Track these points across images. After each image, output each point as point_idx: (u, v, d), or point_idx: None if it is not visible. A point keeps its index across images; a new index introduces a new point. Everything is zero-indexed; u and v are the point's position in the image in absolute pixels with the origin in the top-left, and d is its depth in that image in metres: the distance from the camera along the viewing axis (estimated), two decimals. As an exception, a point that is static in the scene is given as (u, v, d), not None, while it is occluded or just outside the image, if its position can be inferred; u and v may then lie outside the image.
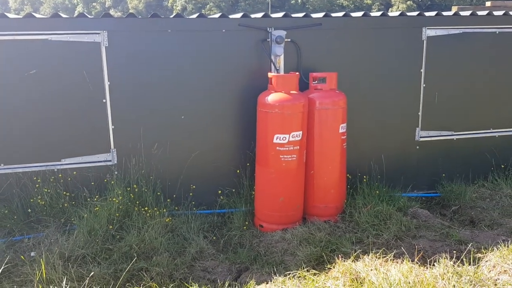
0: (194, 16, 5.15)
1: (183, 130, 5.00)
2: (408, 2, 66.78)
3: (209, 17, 5.12)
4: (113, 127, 4.85)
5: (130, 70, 4.79)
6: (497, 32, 5.57)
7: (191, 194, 5.07)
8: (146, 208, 4.63)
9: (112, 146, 4.88)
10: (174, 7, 61.80)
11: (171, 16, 4.98)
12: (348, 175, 5.18)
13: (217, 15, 5.17)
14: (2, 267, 3.61)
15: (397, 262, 3.85)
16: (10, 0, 69.74)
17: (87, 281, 3.48)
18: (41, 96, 4.63)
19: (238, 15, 5.21)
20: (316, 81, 4.90)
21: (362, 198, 4.99)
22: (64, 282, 3.39)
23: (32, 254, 4.10)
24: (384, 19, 5.37)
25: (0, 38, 4.46)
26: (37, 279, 3.54)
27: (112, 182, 4.77)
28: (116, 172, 4.88)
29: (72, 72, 4.65)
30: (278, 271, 3.89)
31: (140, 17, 4.91)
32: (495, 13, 5.65)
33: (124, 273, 3.74)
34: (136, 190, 4.77)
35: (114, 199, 4.57)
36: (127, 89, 4.81)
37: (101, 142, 4.85)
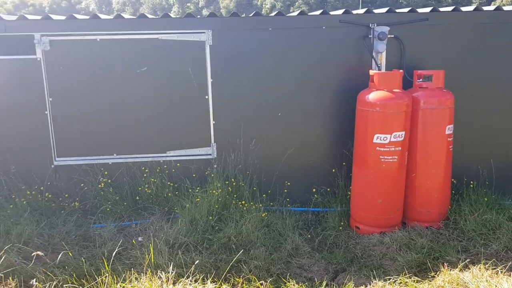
0: (295, 13, 5.16)
1: (280, 126, 5.05)
2: (516, -6, 61.32)
3: (309, 14, 5.11)
4: (214, 122, 5.03)
5: (231, 67, 4.93)
6: None
7: (285, 190, 5.10)
8: (243, 202, 4.74)
9: (212, 141, 5.07)
10: (263, 5, 62.69)
11: (272, 14, 5.04)
12: (453, 179, 4.88)
13: (318, 12, 5.13)
14: (116, 250, 3.91)
15: (509, 275, 3.56)
16: (113, 1, 75.49)
17: (192, 268, 3.65)
18: (149, 93, 4.94)
19: (340, 12, 5.12)
20: (421, 79, 4.67)
21: (468, 205, 4.68)
22: (170, 268, 3.59)
23: (140, 239, 4.40)
24: (499, 13, 4.97)
25: (116, 37, 4.82)
26: (146, 263, 3.79)
27: (212, 175, 4.95)
28: (215, 166, 5.06)
29: (179, 69, 4.90)
30: (377, 275, 3.78)
31: (243, 15, 5.03)
32: None
33: (224, 263, 3.87)
34: (234, 184, 4.91)
35: (213, 191, 4.74)
36: (228, 86, 4.96)
37: (202, 137, 5.05)
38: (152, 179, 4.93)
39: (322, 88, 5.02)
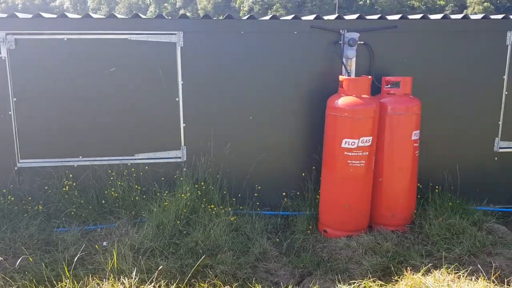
0: (267, 17, 5.18)
1: (252, 130, 5.04)
2: (485, 4, 63.19)
3: (281, 18, 5.12)
4: (184, 125, 4.98)
5: (203, 70, 4.90)
6: None
7: (255, 194, 5.10)
8: (212, 206, 4.71)
9: (182, 144, 5.02)
10: (241, 7, 62.81)
11: (245, 18, 5.04)
12: (419, 184, 4.96)
13: (290, 17, 5.15)
14: (78, 255, 3.82)
15: (471, 280, 3.63)
16: (88, 0, 74.18)
17: (156, 274, 3.60)
18: (118, 94, 4.86)
19: (311, 17, 5.16)
20: (389, 86, 4.74)
21: (433, 209, 4.77)
22: (133, 273, 3.53)
23: (105, 244, 4.31)
24: (466, 22, 5.09)
25: (84, 37, 4.73)
26: (109, 268, 3.71)
27: (181, 178, 4.90)
28: (185, 169, 5.02)
29: (149, 71, 4.84)
30: (342, 279, 3.80)
31: (215, 18, 5.01)
32: None
33: (190, 269, 3.83)
34: (204, 187, 4.88)
35: (182, 195, 4.70)
36: (199, 89, 4.93)
37: (172, 139, 5.00)
38: (119, 183, 4.84)
39: (294, 92, 5.04)
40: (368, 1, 63.09)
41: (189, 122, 4.97)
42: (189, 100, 4.93)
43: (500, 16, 5.20)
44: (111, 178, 4.91)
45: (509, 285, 3.61)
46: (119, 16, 5.08)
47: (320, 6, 58.38)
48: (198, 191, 4.80)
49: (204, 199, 4.78)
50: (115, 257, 3.75)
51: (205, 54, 4.87)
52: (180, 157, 5.04)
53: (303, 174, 5.15)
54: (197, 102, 4.95)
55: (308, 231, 4.70)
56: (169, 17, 5.10)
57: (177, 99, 4.93)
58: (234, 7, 63.21)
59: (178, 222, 4.54)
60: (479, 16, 5.24)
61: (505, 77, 5.13)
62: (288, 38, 4.94)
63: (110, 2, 73.44)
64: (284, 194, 5.14)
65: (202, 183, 4.89)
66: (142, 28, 4.77)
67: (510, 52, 5.09)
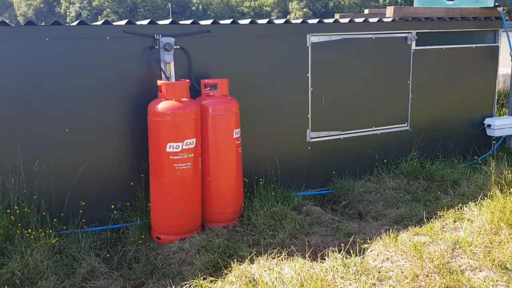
0: (75, 23, 4.90)
1: (69, 143, 4.71)
2: (305, 10, 70.33)
3: (91, 24, 4.91)
4: (-14, 144, 4.42)
5: (5, 82, 4.41)
6: (373, 38, 6.03)
7: (80, 211, 4.78)
8: (30, 230, 4.28)
9: (-14, 166, 4.45)
10: (67, 13, 58.66)
11: (49, 24, 4.68)
12: (245, 179, 5.25)
13: (99, 22, 4.96)
14: None
15: (291, 260, 3.98)
16: None
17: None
18: None
19: (123, 22, 5.05)
20: (208, 88, 4.91)
21: (258, 201, 5.09)
22: None
23: None
24: (271, 27, 5.55)
25: None
26: None
27: (-12, 205, 4.34)
28: (-8, 194, 4.45)
29: None
30: (174, 282, 3.81)
31: (13, 25, 4.55)
32: (371, 20, 6.13)
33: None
34: (18, 211, 4.39)
35: (-9, 223, 4.16)
36: (3, 103, 4.42)
37: (-27, 162, 4.40)
38: None
39: (113, 100, 4.87)
40: (200, 7, 64.78)
41: (-7, 140, 4.43)
42: (-10, 116, 4.39)
43: (299, 21, 5.80)
44: None
45: (323, 259, 4.04)
46: None
47: (154, 12, 57.87)
48: (11, 216, 4.31)
49: (19, 224, 4.31)
50: None
51: (6, 64, 4.39)
52: (-15, 181, 4.46)
53: (132, 184, 5.01)
54: (1, 118, 4.43)
55: (141, 241, 4.60)
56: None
57: (-26, 116, 4.35)
58: (59, 12, 58.67)
59: (-11, 254, 4.01)
60: (282, 20, 5.77)
61: (309, 75, 5.74)
62: (100, 44, 4.75)
63: None
64: (112, 206, 4.93)
65: (16, 207, 4.40)
66: None
67: (311, 53, 5.72)
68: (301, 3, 71.35)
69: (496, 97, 7.01)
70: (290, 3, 72.87)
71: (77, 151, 4.75)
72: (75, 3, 58.68)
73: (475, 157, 6.81)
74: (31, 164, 4.56)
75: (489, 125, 6.73)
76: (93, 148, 4.82)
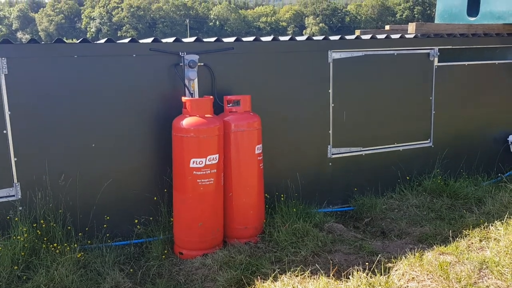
0: (102, 41, 5.01)
1: (95, 158, 4.79)
2: (320, 25, 70.70)
3: (118, 42, 5.02)
4: (15, 159, 4.52)
5: (33, 98, 4.52)
6: (395, 54, 6.03)
7: (105, 226, 4.83)
8: (55, 245, 4.34)
9: (15, 180, 4.54)
10: (88, 29, 59.93)
11: (78, 41, 4.81)
12: (266, 195, 5.26)
13: (127, 40, 5.07)
14: None
15: (314, 279, 3.95)
16: None
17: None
18: None
19: (149, 40, 5.15)
20: (231, 104, 4.96)
21: (280, 217, 5.08)
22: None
23: None
24: (292, 43, 5.60)
25: None
26: None
27: (16, 219, 4.42)
28: (20, 208, 4.53)
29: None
30: (198, 299, 3.81)
31: (43, 42, 4.67)
32: (392, 36, 6.14)
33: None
34: (44, 226, 4.46)
35: (18, 237, 4.23)
36: (31, 119, 4.53)
37: (3, 177, 4.49)
38: None
39: (138, 116, 4.94)
40: (218, 23, 65.62)
41: (21, 155, 4.51)
42: (19, 131, 4.49)
43: (321, 37, 5.84)
44: None
45: (348, 278, 4.00)
46: None
47: (172, 27, 58.81)
48: (38, 231, 4.38)
49: (45, 239, 4.38)
50: None
51: (35, 81, 4.50)
52: (13, 195, 4.54)
53: (155, 198, 5.06)
54: (29, 134, 4.53)
55: (164, 256, 4.62)
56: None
57: (4, 131, 4.46)
58: (80, 28, 60.00)
59: (16, 267, 4.08)
60: (304, 37, 5.81)
61: (330, 91, 5.76)
62: (127, 61, 4.85)
63: None
64: (136, 221, 4.98)
65: (42, 221, 4.47)
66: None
67: (332, 69, 5.74)
68: (317, 18, 71.83)
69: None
70: (306, 18, 73.42)
71: (102, 166, 4.82)
72: (95, 19, 59.99)
73: (499, 174, 6.69)
74: (57, 179, 4.64)
75: (513, 142, 6.64)
76: (118, 163, 4.89)
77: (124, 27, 57.43)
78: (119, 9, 62.28)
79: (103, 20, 59.03)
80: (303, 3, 79.94)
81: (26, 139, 4.53)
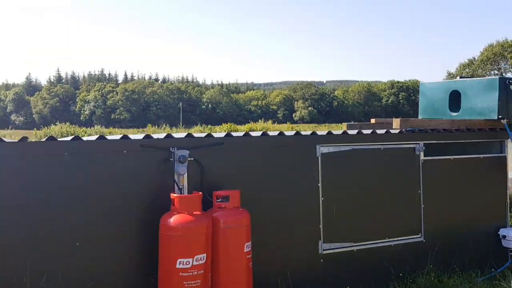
0: (94, 138, 5.08)
1: (79, 258, 4.62)
2: (309, 108, 73.15)
3: (109, 138, 5.09)
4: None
5: (13, 196, 4.44)
6: (382, 148, 6.16)
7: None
8: None
9: None
10: (82, 111, 61.20)
11: (68, 139, 4.86)
12: (255, 295, 5.04)
13: (118, 136, 5.14)
14: None
15: None
16: None
17: None
18: None
19: (141, 136, 5.23)
20: (220, 199, 4.93)
21: (270, 319, 4.84)
22: None
23: None
24: (281, 138, 5.72)
25: None
26: None
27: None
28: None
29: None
30: None
31: (30, 140, 4.72)
32: (378, 131, 6.31)
33: None
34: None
35: None
36: (12, 216, 4.43)
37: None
38: None
39: (125, 213, 4.86)
40: (210, 106, 67.66)
41: None
42: None
43: (309, 132, 5.99)
44: None
45: None
46: None
47: (165, 110, 60.34)
48: None
49: None
50: None
51: (23, 179, 4.48)
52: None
53: (139, 300, 4.82)
54: (9, 230, 4.40)
55: None
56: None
57: (-14, 230, 4.33)
58: (74, 110, 61.30)
59: None
60: (292, 132, 5.96)
61: (320, 184, 5.78)
62: (117, 157, 4.87)
63: None
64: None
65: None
66: None
67: (321, 162, 5.80)
68: (306, 102, 74.48)
69: (509, 207, 6.95)
70: (295, 102, 76.09)
71: (85, 266, 4.64)
72: (90, 102, 61.52)
73: (492, 270, 6.56)
74: (38, 280, 4.44)
75: (504, 236, 6.58)
76: (103, 264, 4.71)
77: (118, 110, 58.79)
78: (114, 92, 64.28)
79: (97, 103, 60.57)
80: (293, 88, 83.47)
81: (6, 236, 4.39)
